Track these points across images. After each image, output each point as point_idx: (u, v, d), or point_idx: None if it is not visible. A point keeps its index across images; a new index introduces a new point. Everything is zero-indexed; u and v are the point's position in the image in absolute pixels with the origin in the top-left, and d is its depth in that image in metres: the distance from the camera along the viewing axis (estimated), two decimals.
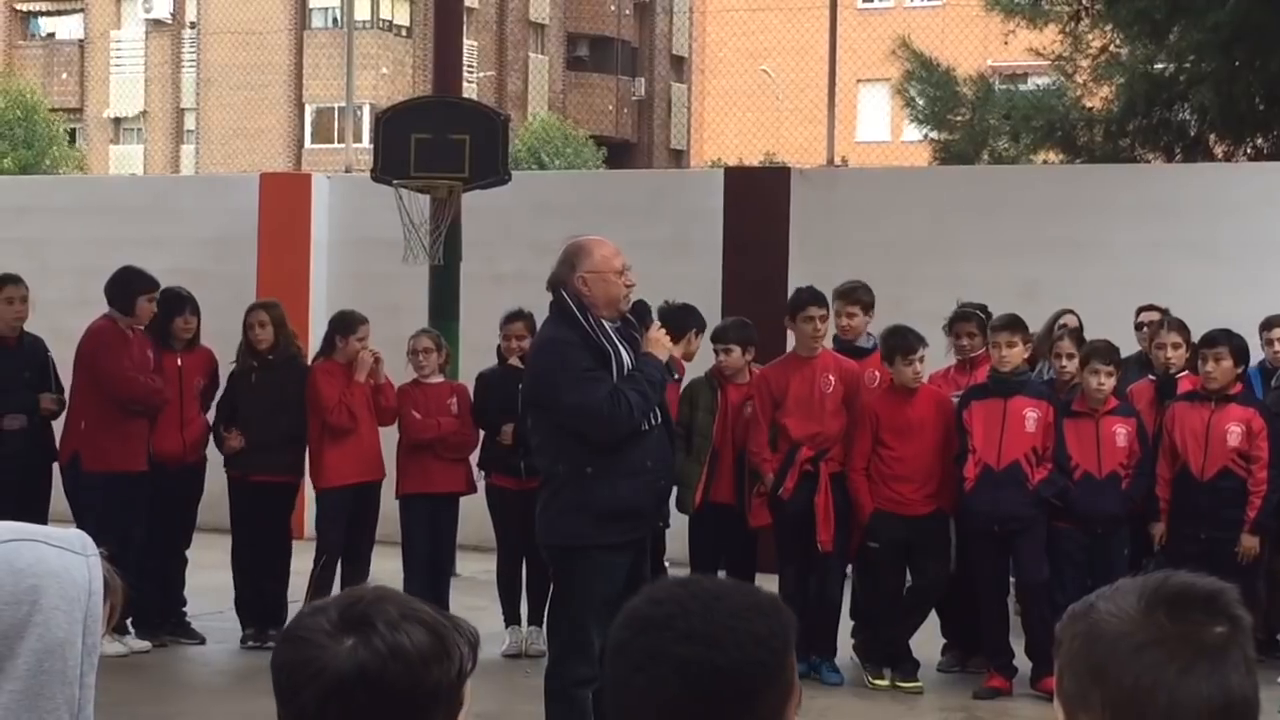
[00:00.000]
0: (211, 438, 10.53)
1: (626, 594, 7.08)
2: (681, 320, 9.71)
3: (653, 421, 7.14)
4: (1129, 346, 10.09)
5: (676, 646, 2.11)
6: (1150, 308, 10.77)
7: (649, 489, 7.15)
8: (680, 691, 2.10)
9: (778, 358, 9.98)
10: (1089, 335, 9.88)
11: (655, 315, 9.18)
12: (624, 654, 2.15)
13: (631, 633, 2.16)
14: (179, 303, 10.40)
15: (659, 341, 7.29)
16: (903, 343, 9.43)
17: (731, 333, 10.00)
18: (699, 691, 2.10)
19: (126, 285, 10.13)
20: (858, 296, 10.00)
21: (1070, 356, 9.64)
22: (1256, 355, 10.31)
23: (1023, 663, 9.46)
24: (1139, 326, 10.84)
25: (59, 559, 2.20)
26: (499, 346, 10.45)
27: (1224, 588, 2.02)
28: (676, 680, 2.10)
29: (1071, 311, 10.66)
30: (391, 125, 12.45)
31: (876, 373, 9.75)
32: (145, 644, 9.96)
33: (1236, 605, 2.00)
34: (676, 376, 9.33)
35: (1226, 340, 9.34)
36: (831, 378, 9.63)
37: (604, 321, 7.10)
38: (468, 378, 10.96)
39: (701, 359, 10.18)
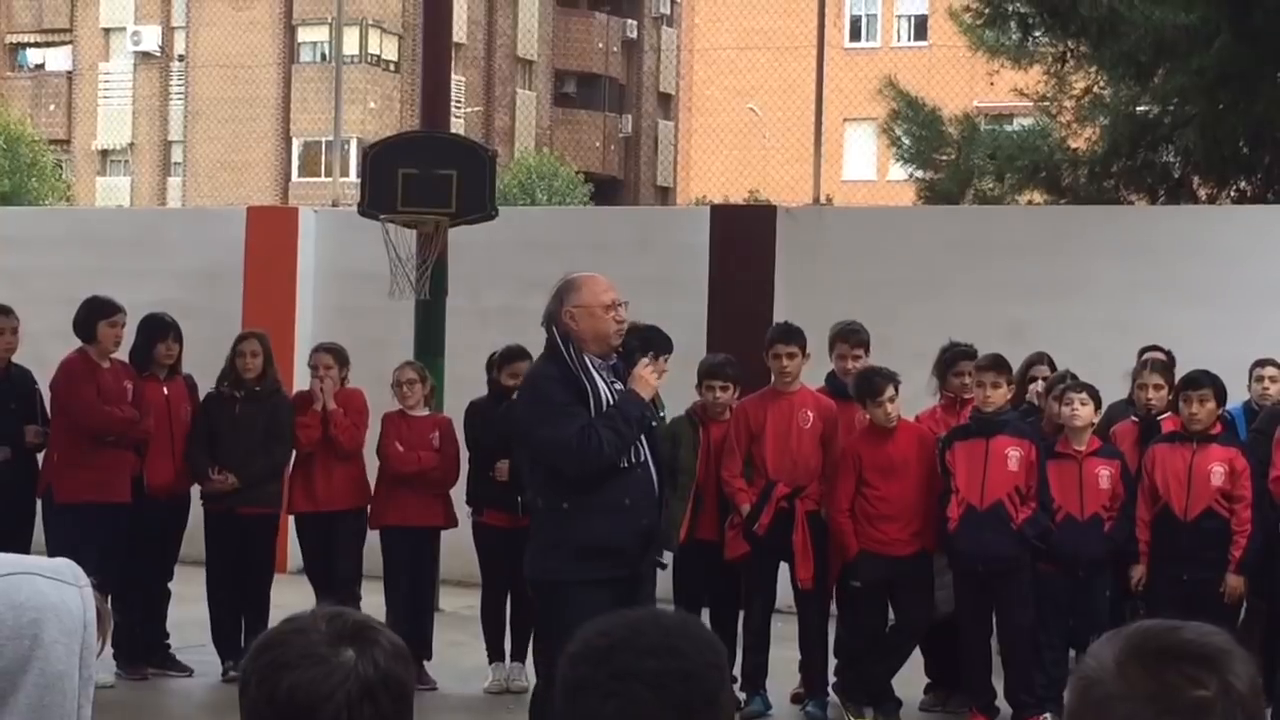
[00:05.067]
0: (192, 470, 10.44)
1: None
2: (644, 343, 9.45)
3: (633, 459, 7.15)
4: (1110, 385, 10.09)
5: (643, 662, 2.16)
6: (1154, 348, 10.70)
7: (629, 527, 7.12)
8: (656, 706, 2.14)
9: (757, 391, 10.00)
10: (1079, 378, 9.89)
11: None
12: (589, 688, 2.17)
13: (590, 666, 2.18)
14: (162, 329, 10.33)
15: (644, 379, 7.27)
16: (868, 386, 9.47)
17: (729, 370, 10.02)
18: (673, 701, 2.15)
19: (87, 313, 10.11)
20: (861, 339, 10.04)
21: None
22: (1238, 395, 10.36)
23: (1005, 704, 9.46)
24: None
25: (55, 591, 2.21)
26: (488, 378, 10.45)
27: (1224, 650, 1.92)
28: (650, 695, 2.14)
29: (1044, 361, 10.59)
30: (379, 160, 12.46)
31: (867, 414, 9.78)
32: (108, 678, 9.70)
33: (1233, 670, 1.90)
34: (662, 414, 9.30)
35: (1209, 382, 9.37)
36: (810, 414, 9.66)
37: (590, 358, 7.12)
38: (452, 413, 10.96)
39: (682, 394, 10.16)
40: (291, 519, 10.64)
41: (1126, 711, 1.89)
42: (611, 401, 7.10)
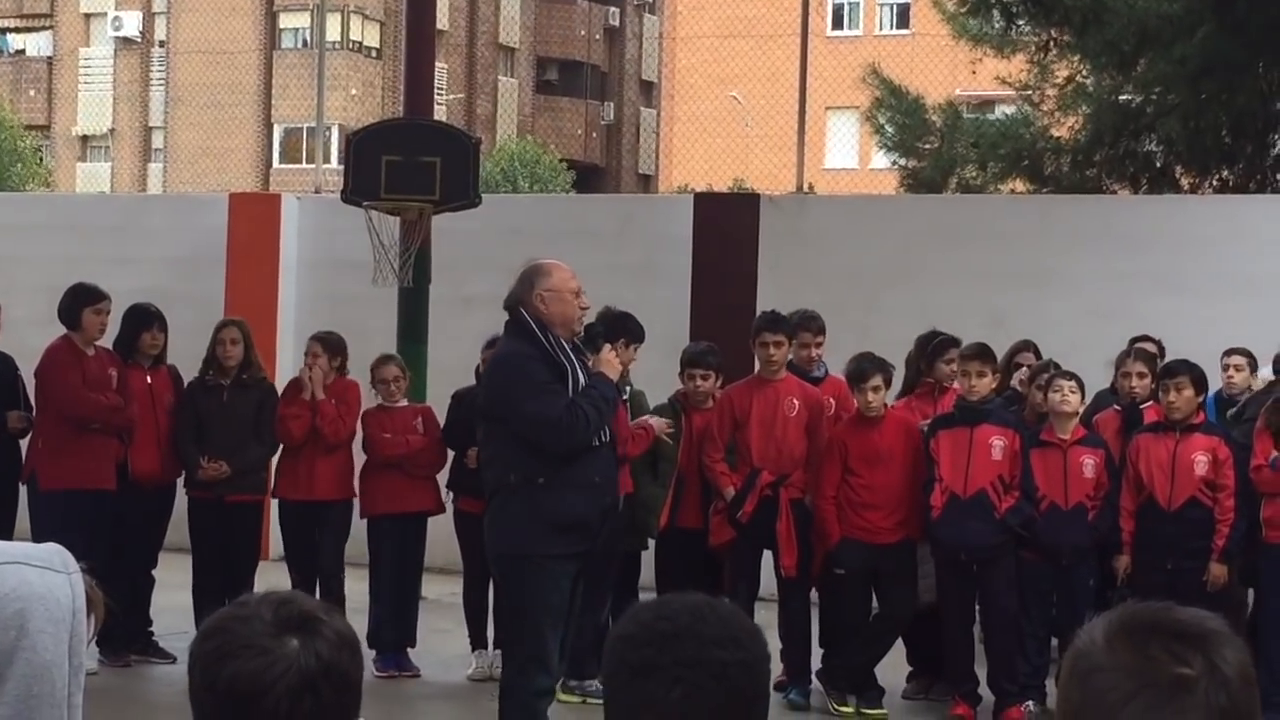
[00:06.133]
0: (183, 462, 10.42)
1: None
2: (617, 328, 9.37)
3: (603, 438, 7.37)
4: (1091, 374, 10.11)
5: (711, 652, 2.16)
6: (1144, 338, 10.74)
7: (595, 503, 7.35)
8: (718, 696, 2.15)
9: (743, 379, 10.01)
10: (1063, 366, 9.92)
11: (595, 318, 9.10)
12: (653, 672, 2.15)
13: (655, 650, 2.16)
14: (147, 318, 10.36)
15: (610, 363, 7.53)
16: (856, 370, 9.54)
17: (711, 358, 10.03)
18: (736, 691, 2.16)
19: (72, 300, 10.12)
20: (820, 325, 10.10)
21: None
22: (1219, 384, 10.40)
23: (987, 692, 9.48)
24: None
25: (42, 580, 2.19)
26: (477, 368, 10.45)
27: (1214, 632, 1.93)
28: (714, 684, 2.15)
29: (1030, 348, 10.63)
30: (362, 147, 12.44)
31: (832, 400, 9.82)
32: (91, 665, 9.74)
33: (1221, 653, 1.91)
34: (626, 396, 9.37)
35: (1187, 370, 9.38)
36: (795, 401, 9.68)
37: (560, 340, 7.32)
38: (435, 400, 10.95)
39: (665, 382, 10.17)
40: (275, 506, 10.63)
41: (1109, 683, 1.91)
42: (586, 381, 7.30)
